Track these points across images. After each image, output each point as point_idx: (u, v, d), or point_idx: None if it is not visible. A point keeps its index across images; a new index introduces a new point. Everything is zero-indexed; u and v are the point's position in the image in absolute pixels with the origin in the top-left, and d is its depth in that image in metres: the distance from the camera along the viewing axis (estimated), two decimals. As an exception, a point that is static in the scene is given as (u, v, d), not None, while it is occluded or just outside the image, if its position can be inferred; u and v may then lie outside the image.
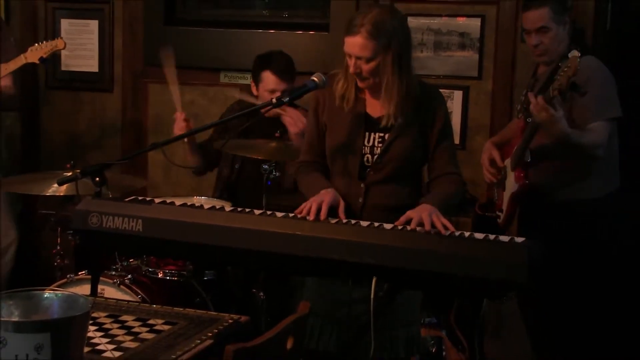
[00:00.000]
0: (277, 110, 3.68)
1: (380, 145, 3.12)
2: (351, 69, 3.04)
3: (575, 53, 3.34)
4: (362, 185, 3.13)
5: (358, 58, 3.00)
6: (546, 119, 3.48)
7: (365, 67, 3.01)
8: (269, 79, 4.18)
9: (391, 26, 3.01)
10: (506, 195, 3.91)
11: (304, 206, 2.90)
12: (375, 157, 3.12)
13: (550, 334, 4.03)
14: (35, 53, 4.32)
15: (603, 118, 3.69)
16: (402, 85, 3.04)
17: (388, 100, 3.06)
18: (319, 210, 2.87)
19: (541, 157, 3.77)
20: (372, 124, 3.14)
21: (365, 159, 3.13)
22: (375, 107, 3.15)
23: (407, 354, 3.17)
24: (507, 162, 3.93)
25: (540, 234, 3.75)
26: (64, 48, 4.35)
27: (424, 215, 2.78)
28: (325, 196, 2.94)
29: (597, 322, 3.96)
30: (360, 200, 3.13)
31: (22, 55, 4.36)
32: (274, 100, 3.06)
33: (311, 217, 2.84)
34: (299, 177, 3.27)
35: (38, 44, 4.36)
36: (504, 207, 3.93)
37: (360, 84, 3.10)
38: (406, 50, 3.07)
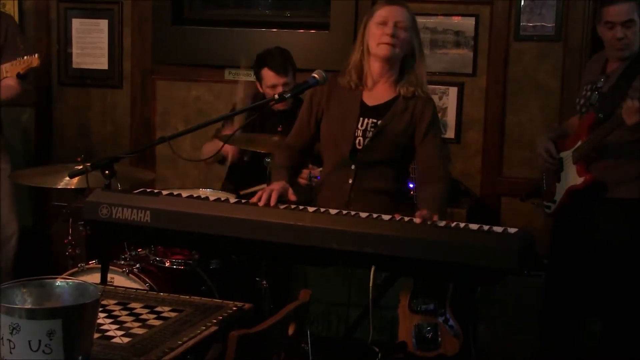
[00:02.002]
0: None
1: (372, 129, 3.31)
2: (388, 31, 3.25)
3: None
4: (352, 166, 3.32)
5: (396, 23, 3.27)
6: (638, 121, 3.49)
7: (402, 35, 3.28)
8: (267, 75, 4.30)
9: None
10: (561, 187, 3.93)
11: (257, 196, 2.99)
12: (367, 140, 3.30)
13: (580, 331, 4.04)
14: (14, 68, 4.33)
15: None
16: (423, 75, 3.39)
17: (413, 74, 3.35)
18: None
19: (608, 154, 3.75)
20: (366, 111, 3.35)
21: (357, 141, 3.32)
22: (371, 97, 3.37)
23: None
24: (565, 154, 3.91)
25: (593, 230, 3.83)
26: (37, 65, 4.34)
27: (422, 212, 2.84)
28: (275, 186, 3.04)
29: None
30: (350, 181, 3.32)
31: (3, 69, 4.38)
32: (276, 96, 3.14)
33: (261, 204, 2.91)
34: (272, 162, 3.43)
35: (18, 59, 4.35)
36: (558, 198, 3.94)
37: (385, 51, 3.28)
38: (422, 47, 3.45)
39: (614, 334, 3.93)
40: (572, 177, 3.84)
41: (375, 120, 3.33)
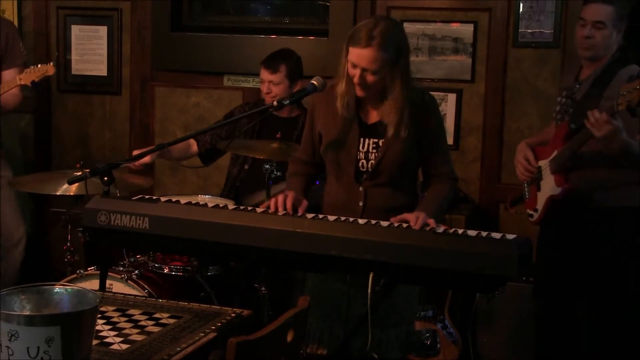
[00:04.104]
0: None
1: (374, 151, 3.13)
2: (355, 80, 3.03)
3: None
4: (360, 189, 3.15)
5: (364, 70, 3.01)
6: (608, 133, 3.42)
7: (371, 79, 3.02)
8: (261, 70, 4.38)
9: (400, 38, 3.08)
10: (542, 196, 3.89)
11: (270, 202, 3.00)
12: (371, 162, 3.13)
13: (572, 339, 4.01)
14: (29, 76, 4.37)
15: None
16: (407, 95, 3.07)
17: (395, 109, 3.06)
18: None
19: (585, 163, 3.72)
20: (366, 130, 3.15)
21: (360, 164, 3.14)
22: (368, 114, 3.17)
23: (402, 352, 3.20)
24: (542, 163, 3.88)
25: (574, 239, 3.82)
26: (53, 74, 4.41)
27: (420, 216, 2.84)
28: (289, 193, 3.02)
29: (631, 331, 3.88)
30: (361, 204, 3.14)
31: (17, 77, 4.42)
32: (274, 103, 3.15)
33: (278, 209, 2.94)
34: (287, 174, 3.37)
35: (33, 67, 4.39)
36: (539, 207, 3.92)
37: (359, 93, 3.08)
38: (409, 62, 3.13)
39: (608, 334, 3.92)
40: (551, 187, 3.82)
41: (376, 140, 3.13)
